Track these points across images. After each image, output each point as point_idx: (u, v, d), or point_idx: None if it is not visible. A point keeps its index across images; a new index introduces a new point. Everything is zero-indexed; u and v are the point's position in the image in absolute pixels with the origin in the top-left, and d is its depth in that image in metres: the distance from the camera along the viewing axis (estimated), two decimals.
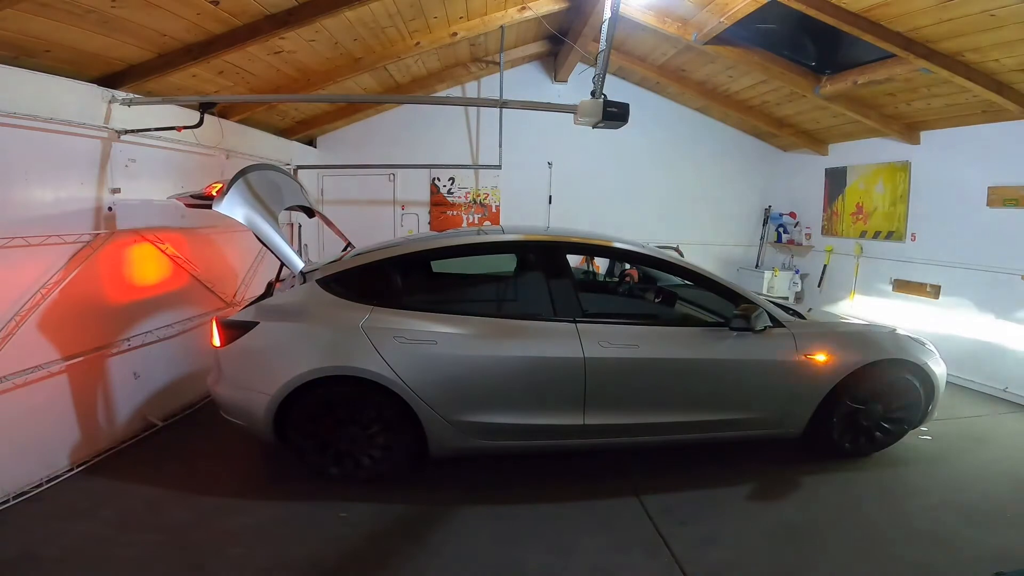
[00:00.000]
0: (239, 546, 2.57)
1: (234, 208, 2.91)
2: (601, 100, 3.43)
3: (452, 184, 6.88)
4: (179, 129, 3.67)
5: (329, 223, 4.26)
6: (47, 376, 2.98)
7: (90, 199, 3.24)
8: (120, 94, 3.36)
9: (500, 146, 6.48)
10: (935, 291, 5.15)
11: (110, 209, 3.34)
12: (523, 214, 6.89)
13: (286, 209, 3.69)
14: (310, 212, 4.03)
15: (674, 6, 4.55)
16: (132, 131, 3.45)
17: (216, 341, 3.04)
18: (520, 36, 5.93)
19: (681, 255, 4.79)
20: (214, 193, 2.92)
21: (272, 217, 3.17)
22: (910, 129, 5.31)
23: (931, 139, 5.24)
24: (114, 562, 2.43)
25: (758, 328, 3.06)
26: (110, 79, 3.36)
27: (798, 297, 6.91)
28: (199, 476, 3.19)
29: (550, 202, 7.00)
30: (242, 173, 3.03)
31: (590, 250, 3.88)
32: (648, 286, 3.89)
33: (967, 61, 3.90)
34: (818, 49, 4.88)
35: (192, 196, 3.15)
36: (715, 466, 3.35)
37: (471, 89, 6.72)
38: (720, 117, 7.03)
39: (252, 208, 3.01)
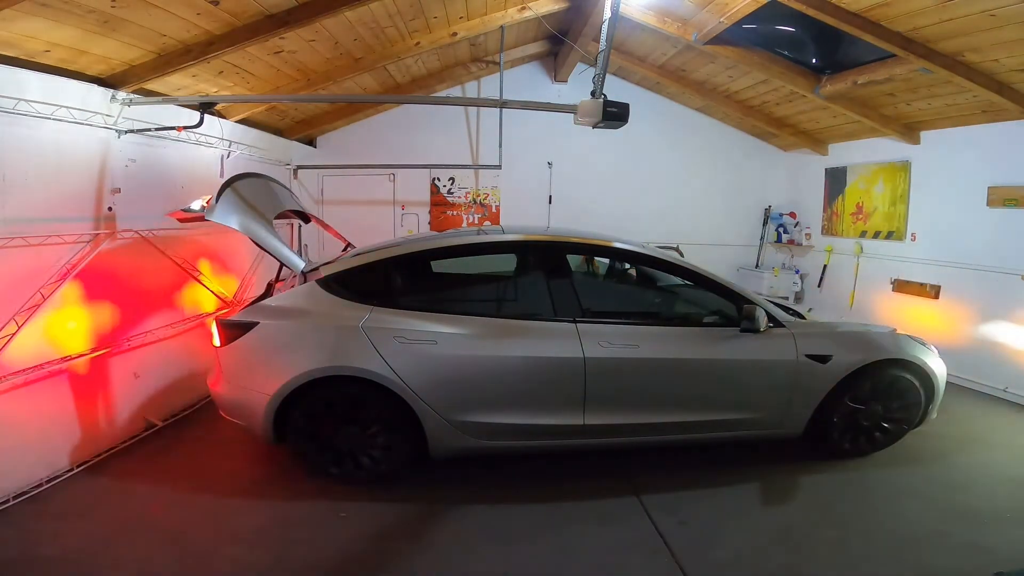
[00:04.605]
0: (239, 546, 2.57)
1: (227, 216, 2.98)
2: (601, 100, 3.43)
3: (452, 184, 6.88)
4: (179, 129, 3.68)
5: (326, 226, 4.26)
6: (47, 376, 2.97)
7: (90, 199, 3.24)
8: (120, 94, 3.37)
9: (500, 146, 6.48)
10: (935, 291, 5.15)
11: (110, 209, 3.34)
12: (523, 214, 6.89)
13: (282, 217, 3.69)
14: (306, 218, 4.04)
15: (674, 6, 4.55)
16: (132, 131, 3.45)
17: (216, 341, 3.05)
18: (520, 36, 5.93)
19: (681, 255, 4.79)
20: (205, 205, 2.96)
21: (267, 222, 3.18)
22: (910, 129, 5.31)
23: (931, 139, 5.24)
24: (114, 562, 2.43)
25: (760, 328, 3.06)
26: (110, 79, 3.36)
27: (798, 297, 6.91)
28: (199, 476, 3.19)
29: (550, 202, 7.00)
30: (229, 183, 3.09)
31: (590, 250, 3.88)
32: (647, 286, 3.89)
33: (967, 61, 3.90)
34: (818, 49, 4.88)
35: (183, 211, 3.19)
36: (715, 466, 3.35)
37: (471, 89, 6.72)
38: (720, 117, 7.03)
39: (245, 215, 3.06)
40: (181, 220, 3.29)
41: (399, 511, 2.89)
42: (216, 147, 4.46)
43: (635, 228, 6.24)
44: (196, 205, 3.12)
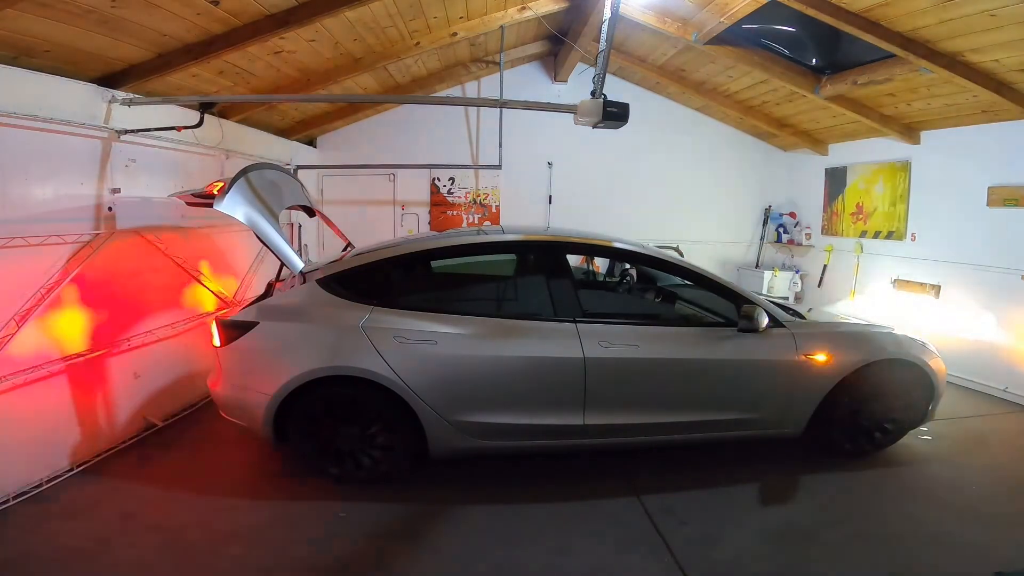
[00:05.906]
0: (239, 546, 2.57)
1: (235, 207, 2.93)
2: (601, 100, 3.43)
3: (452, 184, 6.87)
4: (179, 129, 3.68)
5: (329, 222, 4.27)
6: (47, 376, 2.98)
7: (90, 199, 3.23)
8: (120, 94, 3.36)
9: (500, 146, 6.48)
10: (935, 291, 5.15)
11: (110, 209, 3.34)
12: (523, 214, 6.88)
13: (287, 208, 3.70)
14: (310, 211, 4.04)
15: (674, 6, 4.55)
16: (132, 131, 3.45)
17: (216, 341, 3.05)
18: (520, 36, 5.93)
19: (681, 255, 4.79)
20: (215, 192, 2.93)
21: (273, 216, 3.17)
22: (910, 129, 5.31)
23: (931, 139, 5.24)
24: (114, 562, 2.43)
25: (759, 328, 3.06)
26: (110, 79, 3.36)
27: (798, 297, 6.91)
28: (199, 476, 3.19)
29: (550, 202, 7.00)
30: (243, 172, 3.04)
31: (590, 250, 3.88)
32: (647, 286, 3.89)
33: (967, 61, 3.90)
34: (818, 49, 4.88)
35: (193, 194, 3.17)
36: (715, 466, 3.35)
37: (471, 89, 6.72)
38: (720, 117, 7.03)
39: (253, 207, 3.02)
40: (189, 203, 3.28)
41: (399, 511, 2.89)
42: (216, 147, 4.46)
43: (635, 228, 6.24)
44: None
